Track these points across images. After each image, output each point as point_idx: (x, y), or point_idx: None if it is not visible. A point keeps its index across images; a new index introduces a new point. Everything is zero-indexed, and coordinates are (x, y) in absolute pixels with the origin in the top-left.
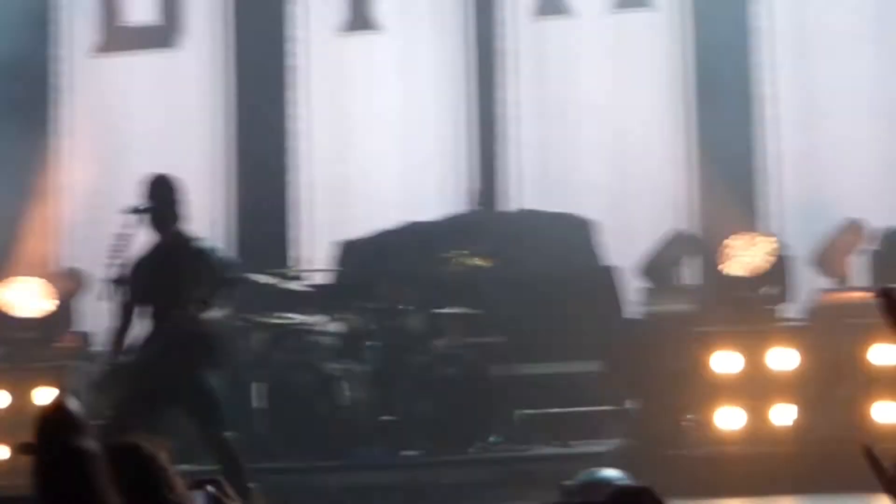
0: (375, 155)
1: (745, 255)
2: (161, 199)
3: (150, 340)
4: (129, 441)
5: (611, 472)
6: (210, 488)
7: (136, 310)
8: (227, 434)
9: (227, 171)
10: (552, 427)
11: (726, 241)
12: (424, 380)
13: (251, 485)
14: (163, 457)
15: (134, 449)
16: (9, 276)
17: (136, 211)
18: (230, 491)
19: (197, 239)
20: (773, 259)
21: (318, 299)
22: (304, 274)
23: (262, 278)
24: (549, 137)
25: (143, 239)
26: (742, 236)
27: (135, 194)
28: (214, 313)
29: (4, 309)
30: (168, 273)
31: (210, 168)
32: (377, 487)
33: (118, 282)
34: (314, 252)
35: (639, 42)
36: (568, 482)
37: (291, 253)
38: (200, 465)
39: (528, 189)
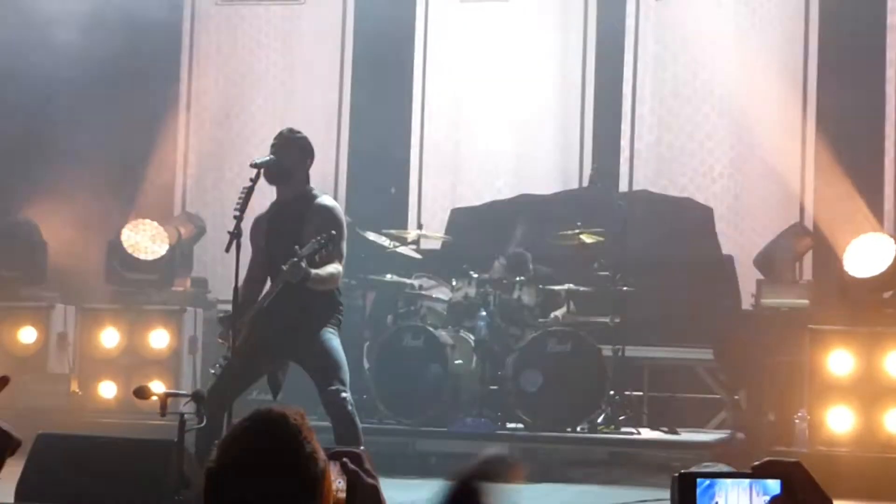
0: (491, 124)
1: (867, 256)
2: (285, 154)
3: (271, 295)
4: (275, 412)
5: (723, 469)
6: (347, 461)
7: (259, 265)
8: (346, 395)
9: (345, 130)
10: (660, 412)
11: (849, 240)
12: (533, 354)
13: (362, 448)
14: (305, 427)
15: (282, 420)
16: (132, 218)
17: (258, 165)
18: (369, 465)
19: (321, 196)
20: (895, 262)
21: (430, 265)
22: (418, 238)
23: (377, 238)
24: (668, 120)
25: (265, 193)
26: (866, 236)
27: (254, 149)
28: (331, 269)
29: (127, 250)
30: (291, 230)
31: (327, 125)
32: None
33: (237, 234)
34: (428, 218)
35: (762, 24)
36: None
37: (405, 216)
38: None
39: (644, 171)
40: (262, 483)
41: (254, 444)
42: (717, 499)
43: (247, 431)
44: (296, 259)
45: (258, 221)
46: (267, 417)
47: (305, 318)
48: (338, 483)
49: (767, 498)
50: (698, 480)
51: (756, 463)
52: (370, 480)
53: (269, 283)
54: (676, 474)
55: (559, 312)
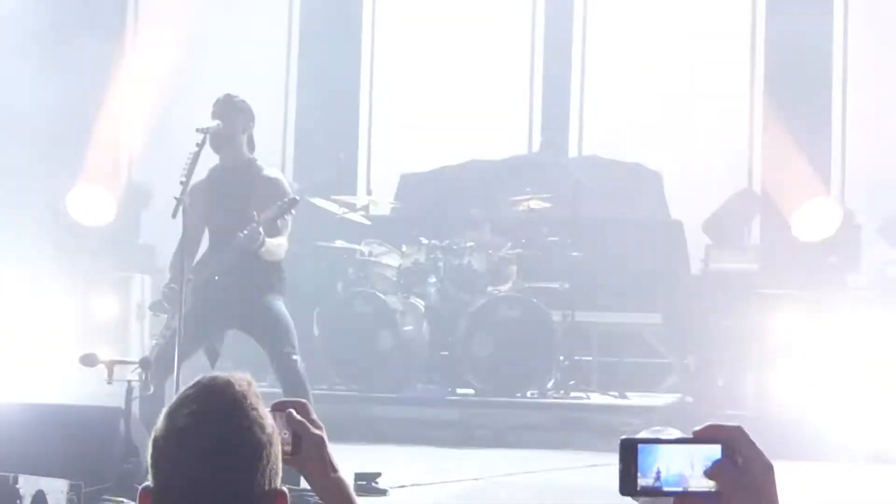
0: (441, 89)
1: (815, 220)
2: (229, 119)
3: (215, 261)
4: (220, 378)
5: (674, 433)
6: (293, 412)
7: (196, 230)
8: (296, 357)
9: (293, 95)
10: (610, 376)
11: (797, 205)
12: (483, 320)
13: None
14: (252, 393)
15: (227, 386)
16: (78, 184)
17: (204, 130)
18: (314, 416)
19: (266, 167)
20: (842, 226)
21: (380, 231)
22: (367, 204)
23: (326, 205)
24: (617, 85)
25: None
26: (813, 200)
27: (204, 113)
28: (282, 239)
29: (73, 216)
30: (236, 198)
31: (275, 90)
32: (429, 423)
33: (183, 200)
34: (378, 184)
35: None
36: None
37: (355, 182)
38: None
39: (594, 136)
40: (208, 449)
41: (199, 411)
42: (658, 465)
43: (192, 398)
44: (255, 225)
45: (197, 187)
46: (212, 384)
47: (251, 284)
48: (283, 434)
49: (709, 463)
50: (639, 446)
51: (697, 428)
52: (316, 431)
53: (205, 249)
54: (621, 439)
55: (509, 279)
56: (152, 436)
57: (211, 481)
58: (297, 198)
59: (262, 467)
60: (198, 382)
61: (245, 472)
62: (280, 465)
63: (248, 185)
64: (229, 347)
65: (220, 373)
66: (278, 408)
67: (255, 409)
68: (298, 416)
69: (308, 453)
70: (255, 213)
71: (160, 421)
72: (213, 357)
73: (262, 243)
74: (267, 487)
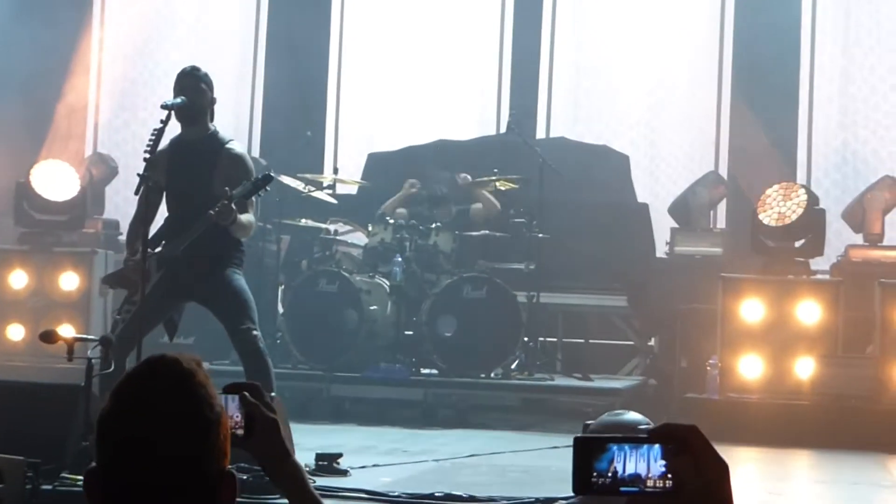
0: (408, 68)
1: (780, 206)
2: (196, 94)
3: (182, 237)
4: (168, 356)
5: (635, 416)
6: (246, 394)
7: (160, 201)
8: (257, 332)
9: (260, 71)
10: (574, 358)
11: (763, 190)
12: (448, 300)
13: (274, 394)
14: (201, 372)
15: (174, 364)
16: (42, 158)
17: (169, 106)
18: (268, 398)
19: (229, 140)
20: (807, 211)
21: (346, 210)
22: (334, 182)
23: (292, 182)
24: (585, 67)
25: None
26: (778, 186)
27: (169, 88)
28: (250, 216)
29: (36, 191)
30: (199, 171)
31: (242, 66)
32: (393, 402)
33: (147, 177)
34: (345, 162)
35: None
36: (591, 422)
37: (321, 160)
38: (219, 363)
39: (562, 117)
40: (153, 426)
41: (145, 388)
42: (615, 464)
43: (138, 376)
44: (226, 202)
45: (158, 157)
46: (159, 361)
47: (210, 257)
48: (235, 417)
49: (664, 463)
50: (594, 445)
51: (651, 427)
52: (270, 414)
53: (164, 221)
54: (575, 437)
55: (475, 259)
56: (98, 416)
57: (155, 460)
58: (272, 175)
59: (209, 447)
60: (145, 360)
61: (191, 451)
62: (229, 446)
63: (211, 159)
64: (191, 323)
65: (169, 352)
66: (231, 390)
67: (204, 387)
68: (252, 399)
69: (261, 437)
70: (226, 189)
71: (106, 400)
72: (172, 330)
73: (234, 220)
74: (214, 468)
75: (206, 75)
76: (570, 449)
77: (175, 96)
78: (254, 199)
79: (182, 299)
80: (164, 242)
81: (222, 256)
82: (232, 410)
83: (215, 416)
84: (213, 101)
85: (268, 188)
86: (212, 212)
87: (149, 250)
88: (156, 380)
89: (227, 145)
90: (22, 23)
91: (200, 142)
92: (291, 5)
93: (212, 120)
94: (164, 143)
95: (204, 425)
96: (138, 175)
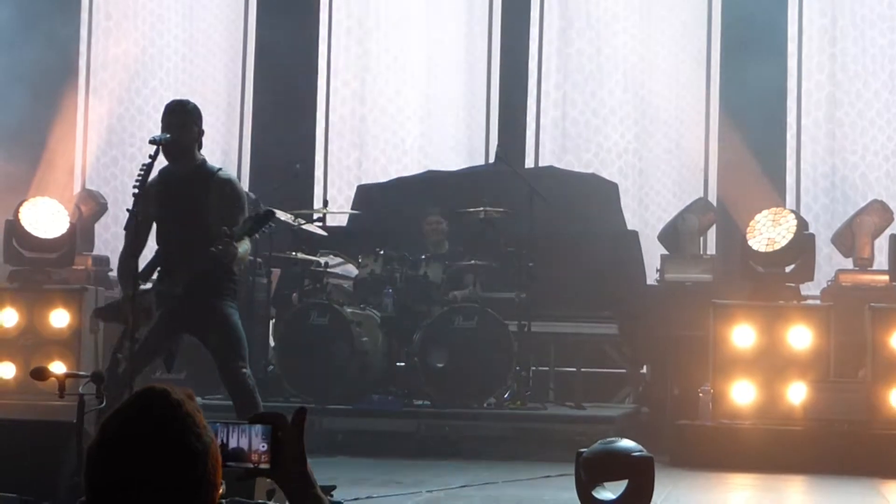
0: (397, 100)
1: (769, 231)
2: (184, 129)
3: (177, 271)
4: (157, 388)
5: (628, 443)
6: (273, 426)
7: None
8: (246, 370)
9: (249, 105)
10: (566, 387)
11: (752, 216)
12: (440, 331)
13: None
14: (190, 403)
15: (163, 395)
16: (30, 195)
17: (158, 141)
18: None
19: (219, 168)
20: (796, 236)
21: (336, 242)
22: (324, 215)
23: (282, 215)
24: (573, 96)
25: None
26: (767, 211)
27: (157, 123)
28: (246, 245)
29: (26, 228)
30: (192, 200)
31: (231, 100)
32: (385, 434)
33: (137, 212)
34: (334, 194)
35: (667, 4)
36: (585, 451)
37: (311, 193)
38: (211, 398)
39: (550, 146)
40: (142, 458)
41: (133, 420)
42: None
43: (126, 408)
44: (228, 240)
45: (148, 189)
46: (148, 393)
47: (206, 290)
48: (261, 447)
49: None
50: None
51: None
52: (300, 445)
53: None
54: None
55: (466, 289)
56: (87, 447)
57: (140, 491)
58: (273, 211)
59: (197, 478)
60: (135, 393)
61: (177, 482)
62: (219, 477)
63: (202, 187)
64: (183, 358)
65: (158, 383)
66: (257, 420)
67: (191, 417)
68: (279, 429)
69: (288, 467)
70: (224, 229)
71: (95, 432)
72: (170, 362)
73: (234, 256)
74: (203, 499)
75: (193, 108)
76: (563, 479)
77: (162, 131)
78: (257, 229)
79: (180, 332)
80: (158, 275)
81: (217, 287)
82: (256, 443)
83: (203, 445)
84: (200, 134)
85: (272, 224)
86: (213, 249)
87: (143, 284)
88: (143, 411)
89: (217, 173)
90: (8, 58)
91: (190, 173)
92: (279, 41)
93: (199, 149)
94: (154, 174)
95: (191, 455)
96: (128, 210)
